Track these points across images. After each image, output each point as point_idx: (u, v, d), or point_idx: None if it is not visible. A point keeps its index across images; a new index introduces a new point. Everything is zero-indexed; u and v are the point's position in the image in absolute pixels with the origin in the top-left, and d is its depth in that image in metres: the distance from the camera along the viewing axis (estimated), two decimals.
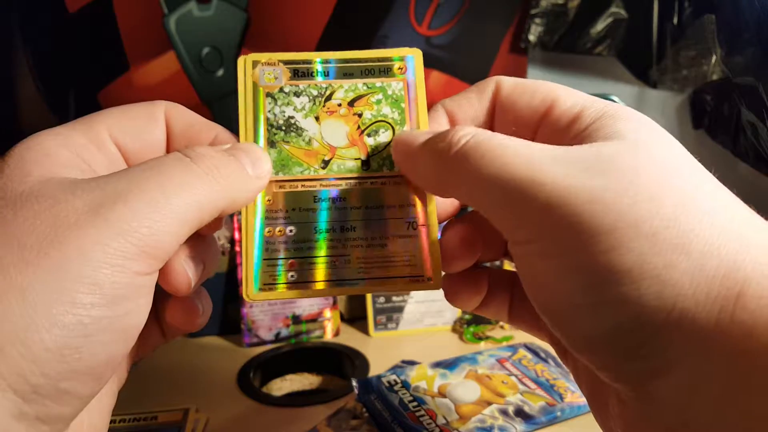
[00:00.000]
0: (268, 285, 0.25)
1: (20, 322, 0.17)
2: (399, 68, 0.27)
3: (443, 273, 0.27)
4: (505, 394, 0.46)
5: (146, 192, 0.20)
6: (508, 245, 0.22)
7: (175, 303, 0.26)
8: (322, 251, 0.26)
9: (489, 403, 0.44)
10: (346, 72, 0.27)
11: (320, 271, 0.25)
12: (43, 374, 0.18)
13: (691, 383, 0.18)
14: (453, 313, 0.64)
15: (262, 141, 0.26)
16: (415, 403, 0.44)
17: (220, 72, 0.66)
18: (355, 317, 0.66)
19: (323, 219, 0.26)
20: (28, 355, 0.17)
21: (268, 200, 0.26)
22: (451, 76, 0.72)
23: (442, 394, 0.45)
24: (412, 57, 0.27)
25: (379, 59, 0.27)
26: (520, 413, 0.43)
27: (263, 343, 0.61)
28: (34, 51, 0.64)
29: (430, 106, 0.27)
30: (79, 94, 0.67)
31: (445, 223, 0.27)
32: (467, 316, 0.63)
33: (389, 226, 0.26)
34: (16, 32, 0.64)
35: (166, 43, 0.65)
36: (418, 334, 0.63)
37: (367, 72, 0.27)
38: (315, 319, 0.62)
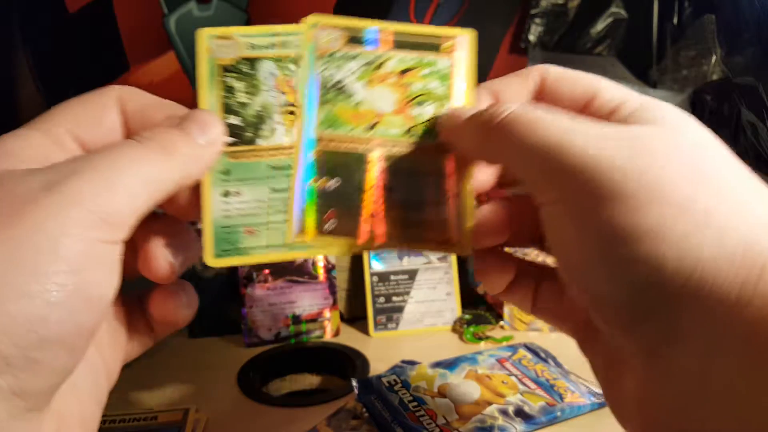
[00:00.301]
0: (307, 231, 0.27)
1: None
2: (449, 46, 0.28)
3: (473, 249, 0.28)
4: (505, 394, 0.46)
5: (98, 168, 0.21)
6: (540, 209, 0.23)
7: (158, 293, 0.26)
8: (360, 207, 0.27)
9: (489, 403, 0.44)
10: (399, 44, 0.28)
11: (357, 225, 0.27)
12: (14, 344, 0.18)
13: (707, 352, 0.18)
14: (453, 313, 0.64)
15: (316, 100, 0.27)
16: (415, 403, 0.44)
17: None
18: (355, 317, 0.66)
19: (364, 178, 0.27)
20: None
21: (314, 153, 0.27)
22: None
23: (442, 394, 0.45)
24: (465, 37, 0.29)
25: (432, 36, 0.28)
26: (520, 413, 0.43)
27: (263, 343, 0.61)
28: (35, 51, 0.64)
29: None
30: (79, 94, 0.67)
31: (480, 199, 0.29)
32: (467, 316, 0.63)
33: (426, 192, 0.28)
34: (16, 32, 0.64)
35: (166, 44, 0.65)
36: (418, 334, 0.63)
37: (419, 46, 0.28)
38: (315, 319, 0.62)
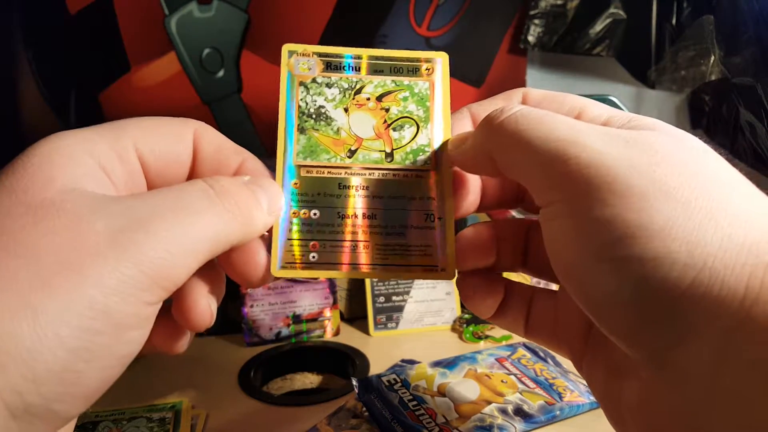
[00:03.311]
0: (290, 264, 0.26)
1: (27, 341, 0.17)
2: (426, 69, 0.29)
3: (458, 272, 0.28)
4: (505, 393, 0.46)
5: (166, 222, 0.20)
6: (540, 212, 0.23)
7: (165, 328, 0.26)
8: (343, 235, 0.26)
9: (488, 402, 0.44)
10: (376, 69, 0.28)
11: (341, 254, 0.26)
12: (40, 394, 0.18)
13: (716, 353, 0.18)
14: (452, 312, 0.64)
15: (293, 126, 0.27)
16: (414, 402, 0.44)
17: (221, 73, 0.66)
18: (355, 317, 0.66)
19: (346, 205, 0.27)
20: (29, 374, 0.17)
21: (295, 183, 0.27)
22: (450, 77, 0.72)
23: (441, 393, 0.46)
24: (440, 60, 0.29)
25: (408, 59, 0.29)
26: (519, 412, 0.44)
27: (264, 342, 0.61)
28: (36, 52, 0.64)
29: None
30: (80, 95, 0.67)
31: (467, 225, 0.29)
32: (467, 316, 0.63)
33: (409, 217, 0.27)
34: (17, 33, 0.64)
35: (166, 44, 0.66)
36: (417, 333, 0.63)
37: (396, 70, 0.28)
38: (315, 318, 0.63)
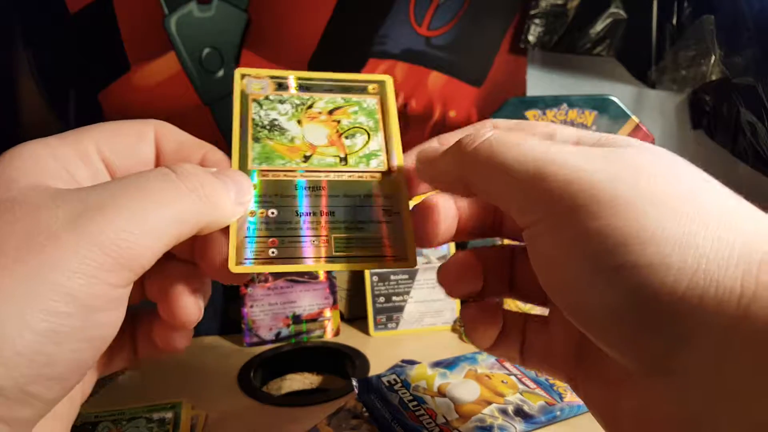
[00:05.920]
0: (249, 260, 0.26)
1: None
2: (373, 88, 0.32)
3: (460, 303, 0.28)
4: (505, 393, 0.46)
5: (126, 204, 0.20)
6: (524, 233, 0.23)
7: (165, 326, 0.27)
8: (302, 231, 0.27)
9: (489, 403, 0.44)
10: (326, 88, 0.31)
11: (300, 249, 0.27)
12: (11, 377, 0.18)
13: (719, 350, 0.18)
14: (452, 312, 0.64)
15: (248, 136, 0.29)
16: (414, 403, 0.44)
17: (221, 73, 0.66)
18: (355, 317, 0.66)
19: (303, 204, 0.28)
20: None
21: (254, 185, 0.28)
22: (450, 76, 0.72)
23: (441, 393, 0.46)
24: (385, 81, 0.32)
25: (356, 81, 0.32)
26: (519, 412, 0.43)
27: (264, 342, 0.61)
28: (35, 51, 0.64)
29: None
30: (79, 95, 0.67)
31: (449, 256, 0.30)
32: None
33: (366, 213, 0.28)
34: (16, 33, 0.64)
35: (166, 44, 0.65)
36: (417, 333, 0.63)
37: (345, 89, 0.31)
38: (315, 318, 0.63)
